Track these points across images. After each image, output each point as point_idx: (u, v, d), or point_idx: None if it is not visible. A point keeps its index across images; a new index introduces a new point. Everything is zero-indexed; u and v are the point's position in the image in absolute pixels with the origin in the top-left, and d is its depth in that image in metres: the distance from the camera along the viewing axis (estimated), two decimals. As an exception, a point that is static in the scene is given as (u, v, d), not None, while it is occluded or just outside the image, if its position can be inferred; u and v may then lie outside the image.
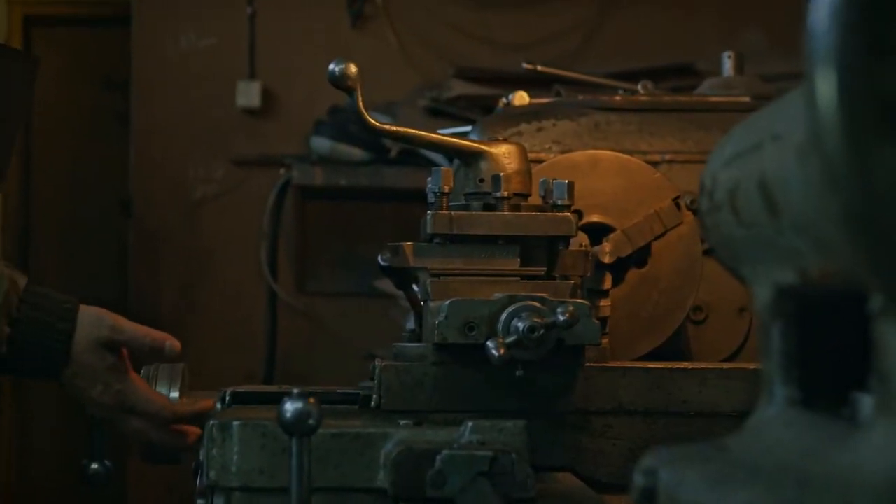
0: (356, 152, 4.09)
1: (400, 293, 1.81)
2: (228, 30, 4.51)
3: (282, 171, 4.34)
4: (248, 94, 4.46)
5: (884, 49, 0.50)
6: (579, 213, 1.74)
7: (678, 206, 1.79)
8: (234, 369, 4.37)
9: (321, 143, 4.19)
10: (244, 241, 4.45)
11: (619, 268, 1.77)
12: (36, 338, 1.78)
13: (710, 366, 1.61)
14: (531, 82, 2.88)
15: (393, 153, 4.01)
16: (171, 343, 1.87)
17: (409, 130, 1.71)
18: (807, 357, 0.82)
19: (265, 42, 4.52)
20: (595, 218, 1.77)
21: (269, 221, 4.38)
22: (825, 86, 0.52)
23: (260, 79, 4.50)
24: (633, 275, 1.78)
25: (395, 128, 1.71)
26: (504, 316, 1.46)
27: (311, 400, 1.23)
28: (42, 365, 1.80)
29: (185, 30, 4.50)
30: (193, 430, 1.82)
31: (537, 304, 1.46)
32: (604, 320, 1.70)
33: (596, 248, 1.74)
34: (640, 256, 1.78)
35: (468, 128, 2.29)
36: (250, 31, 4.51)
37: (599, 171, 1.81)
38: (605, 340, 1.66)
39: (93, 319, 1.83)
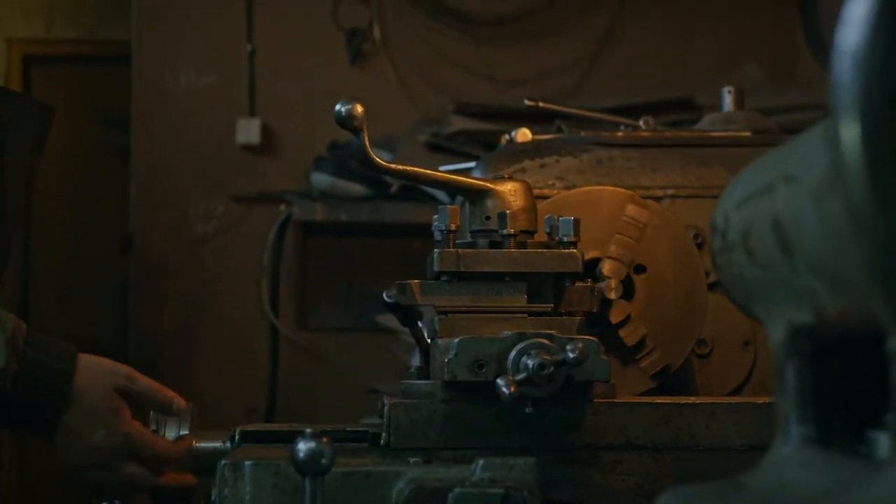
0: (356, 188, 4.11)
1: (403, 328, 1.82)
2: (228, 67, 4.53)
3: (282, 207, 4.35)
4: (248, 131, 4.48)
5: (906, 99, 0.51)
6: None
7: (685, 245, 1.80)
8: (236, 405, 4.37)
9: (321, 179, 4.20)
10: (245, 277, 4.45)
11: (627, 294, 1.78)
12: (41, 377, 1.79)
13: (719, 400, 1.62)
14: (531, 117, 2.90)
15: (393, 189, 4.02)
16: (178, 402, 1.88)
17: (416, 169, 1.72)
18: (822, 395, 0.83)
19: (265, 79, 4.54)
20: (595, 253, 1.78)
21: (269, 257, 4.38)
22: (849, 135, 0.53)
23: (260, 116, 4.51)
24: (641, 289, 1.78)
25: (402, 167, 1.72)
26: (513, 353, 1.47)
27: (325, 439, 1.24)
28: (44, 405, 1.80)
29: (185, 67, 4.52)
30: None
31: (546, 342, 1.47)
32: (638, 346, 1.72)
33: (601, 284, 1.75)
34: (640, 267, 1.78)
35: (472, 164, 2.30)
36: (250, 68, 4.53)
37: (602, 206, 1.82)
38: (647, 361, 1.68)
39: (109, 367, 1.86)
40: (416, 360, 1.99)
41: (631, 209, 1.78)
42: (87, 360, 1.84)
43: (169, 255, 4.51)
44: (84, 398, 1.82)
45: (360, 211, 4.14)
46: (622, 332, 1.73)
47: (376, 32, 4.55)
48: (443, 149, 3.91)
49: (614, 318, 1.74)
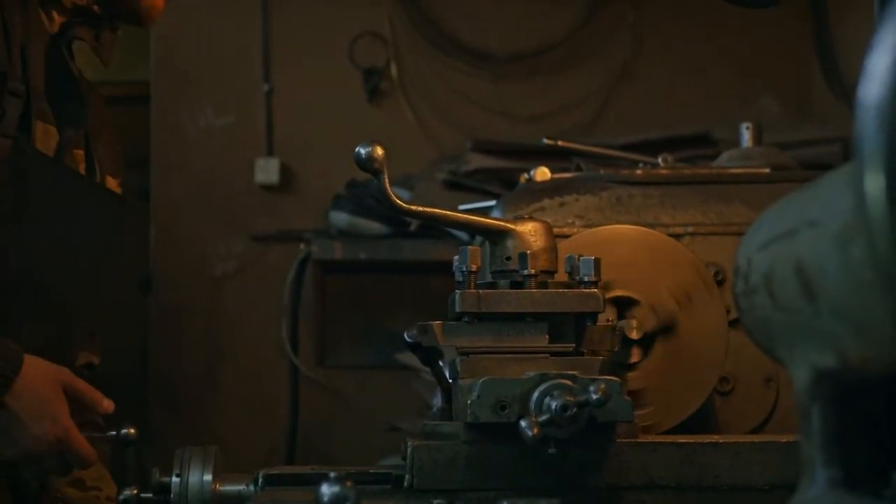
0: (375, 226, 4.11)
1: (423, 367, 1.82)
2: (246, 107, 4.55)
3: (301, 245, 4.36)
4: (267, 171, 4.50)
5: (929, 152, 0.52)
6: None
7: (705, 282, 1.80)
8: (256, 444, 4.37)
9: (340, 218, 4.21)
10: (265, 316, 4.46)
11: (646, 341, 1.78)
12: None
13: (742, 439, 1.61)
14: (548, 154, 2.91)
15: (412, 227, 4.02)
16: (106, 404, 1.98)
17: (437, 211, 1.72)
18: (847, 438, 0.83)
19: (282, 119, 4.56)
20: (619, 292, 1.78)
21: (289, 296, 4.39)
22: (874, 187, 0.53)
23: (278, 155, 4.53)
24: (659, 348, 1.78)
25: (422, 209, 1.72)
26: (536, 394, 1.47)
27: (348, 483, 1.24)
28: None
29: (204, 108, 4.54)
30: None
31: (569, 382, 1.47)
32: (633, 393, 1.71)
33: (622, 323, 1.75)
34: (668, 328, 1.79)
35: (490, 203, 2.30)
36: (267, 108, 4.55)
37: (622, 245, 1.82)
38: (645, 412, 1.68)
39: (53, 366, 1.94)
40: (437, 401, 1.99)
41: (696, 279, 1.79)
42: (32, 358, 1.91)
43: (188, 295, 4.52)
44: (32, 389, 1.88)
45: (379, 249, 4.14)
46: (629, 375, 1.74)
47: (393, 70, 4.57)
48: (461, 186, 3.91)
49: (630, 359, 1.75)
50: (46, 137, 2.03)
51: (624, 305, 1.79)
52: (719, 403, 1.98)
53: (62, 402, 1.91)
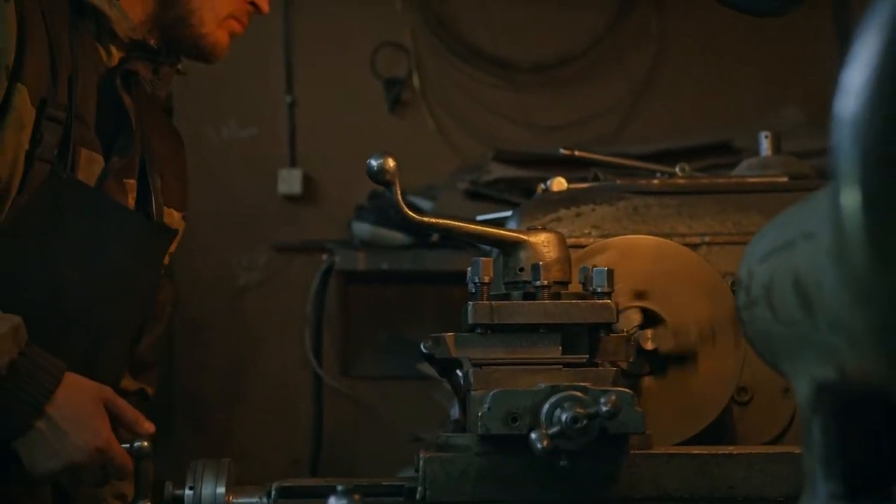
0: (397, 236, 4.11)
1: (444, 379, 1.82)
2: (269, 119, 4.56)
3: (324, 256, 4.37)
4: (290, 182, 4.51)
5: (905, 167, 0.51)
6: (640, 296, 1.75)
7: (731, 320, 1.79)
8: (280, 455, 4.37)
9: (362, 228, 4.21)
10: (288, 326, 4.47)
11: (660, 361, 1.77)
12: (33, 373, 1.87)
13: (756, 450, 1.60)
14: (570, 164, 2.90)
15: (434, 237, 4.02)
16: (147, 426, 1.99)
17: (449, 222, 1.72)
18: (848, 451, 0.82)
19: (305, 130, 4.57)
20: (649, 305, 1.78)
21: (312, 307, 4.39)
22: (850, 204, 0.53)
23: (301, 166, 4.54)
24: (672, 373, 1.78)
25: (434, 220, 1.72)
26: (547, 406, 1.46)
27: (357, 497, 1.24)
28: (30, 395, 1.86)
29: (227, 120, 4.56)
30: None
31: (580, 394, 1.46)
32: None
33: (637, 333, 1.75)
34: (683, 358, 1.78)
35: (507, 213, 2.30)
36: (290, 119, 4.56)
37: (638, 255, 1.81)
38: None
39: (94, 383, 1.95)
40: (455, 412, 1.99)
41: (692, 273, 1.78)
42: (73, 375, 1.93)
43: (212, 306, 4.53)
44: (73, 402, 1.89)
45: (402, 259, 4.14)
46: (649, 385, 1.73)
47: (415, 81, 4.58)
48: (483, 196, 3.91)
49: (645, 369, 1.75)
50: (91, 165, 2.04)
51: (649, 319, 1.78)
52: (737, 414, 1.97)
53: (103, 416, 1.93)
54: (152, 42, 2.17)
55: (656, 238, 1.86)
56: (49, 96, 1.97)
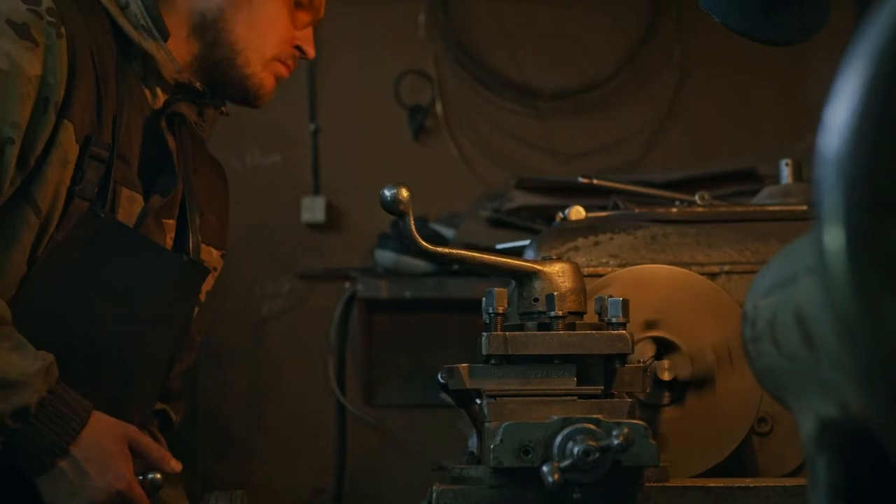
0: (420, 264, 4.11)
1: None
2: (292, 147, 4.57)
3: (347, 284, 4.37)
4: (313, 210, 4.51)
5: (888, 204, 0.50)
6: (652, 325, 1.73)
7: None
8: (303, 484, 4.37)
9: (385, 256, 4.21)
10: (311, 354, 4.46)
11: (679, 389, 1.76)
12: (60, 412, 1.87)
13: (773, 483, 1.58)
14: (592, 192, 2.89)
15: (457, 265, 4.01)
16: (174, 464, 2.01)
17: (463, 252, 1.71)
18: (853, 488, 0.81)
19: (328, 158, 4.58)
20: (662, 333, 1.76)
21: (335, 334, 4.39)
22: (833, 243, 0.52)
23: (324, 194, 4.55)
24: (691, 399, 1.76)
25: (447, 250, 1.71)
26: (559, 439, 1.45)
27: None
28: (56, 435, 1.87)
29: (250, 147, 4.57)
30: None
31: (592, 427, 1.45)
32: (660, 436, 1.69)
33: (654, 364, 1.73)
34: (703, 382, 1.76)
35: (525, 242, 2.29)
36: (313, 147, 4.57)
37: (658, 284, 1.80)
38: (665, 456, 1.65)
39: (119, 422, 1.95)
40: (472, 442, 1.98)
41: (708, 300, 1.77)
42: (99, 414, 1.93)
43: (235, 334, 4.53)
44: (97, 442, 1.90)
45: (424, 287, 4.14)
46: (669, 415, 1.72)
47: (438, 108, 4.58)
48: (505, 224, 3.90)
49: (664, 399, 1.73)
50: (131, 205, 2.04)
51: (664, 348, 1.76)
52: (758, 445, 1.95)
53: (127, 458, 1.93)
54: (197, 84, 2.17)
55: (669, 267, 1.84)
56: (93, 134, 1.97)
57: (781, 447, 1.95)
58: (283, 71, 2.26)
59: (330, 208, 4.54)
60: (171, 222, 2.16)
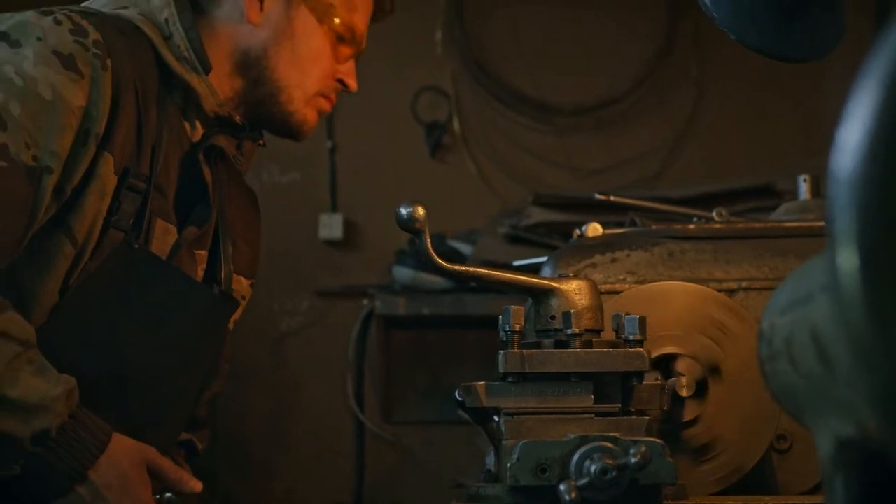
0: (438, 281, 4.11)
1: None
2: (310, 164, 4.58)
3: (365, 301, 4.37)
4: (331, 227, 4.52)
5: (902, 226, 0.50)
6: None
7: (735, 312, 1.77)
8: (322, 501, 4.36)
9: (403, 273, 4.21)
10: (329, 371, 4.47)
11: (699, 392, 1.75)
12: (80, 435, 1.87)
13: (792, 500, 1.58)
14: (609, 208, 2.89)
15: (473, 282, 4.01)
16: (194, 484, 2.00)
17: (479, 270, 1.71)
18: (872, 509, 0.80)
19: (346, 175, 4.58)
20: (669, 349, 1.75)
21: (353, 352, 4.39)
22: (847, 265, 0.52)
23: (342, 211, 4.55)
24: (713, 405, 1.75)
25: (464, 268, 1.71)
26: (576, 457, 1.45)
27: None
28: (74, 460, 1.86)
29: (268, 165, 4.58)
30: None
31: (609, 445, 1.44)
32: (701, 449, 1.69)
33: (671, 382, 1.72)
34: (714, 369, 1.75)
35: (543, 258, 2.28)
36: (331, 164, 4.58)
37: (674, 301, 1.79)
38: (713, 464, 1.65)
39: (139, 444, 1.94)
40: (490, 460, 1.97)
41: (718, 313, 1.76)
42: (119, 436, 1.92)
43: (254, 352, 4.53)
44: (116, 467, 1.89)
45: (442, 304, 4.14)
46: (691, 432, 1.70)
47: (455, 125, 4.58)
48: (523, 240, 3.90)
49: (685, 416, 1.71)
50: (165, 236, 2.04)
51: (666, 362, 1.75)
52: (777, 462, 1.94)
53: (146, 483, 1.93)
54: (237, 118, 2.17)
55: (686, 283, 1.84)
56: (132, 166, 1.98)
57: (801, 464, 1.94)
58: (325, 105, 2.26)
59: (347, 225, 4.54)
60: (203, 253, 2.15)
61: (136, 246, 1.98)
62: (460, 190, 4.49)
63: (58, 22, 1.93)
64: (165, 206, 2.04)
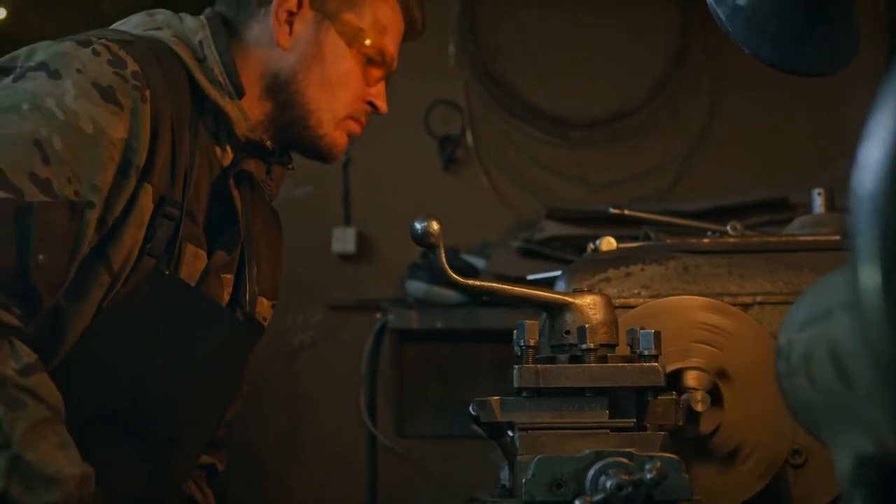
0: (451, 294, 4.11)
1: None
2: (323, 177, 4.58)
3: (378, 315, 4.37)
4: (344, 241, 4.52)
5: (926, 245, 0.50)
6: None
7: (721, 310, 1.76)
8: (335, 515, 4.36)
9: (416, 287, 4.21)
10: (343, 385, 4.46)
11: (714, 406, 1.74)
12: None
13: (807, 516, 1.57)
14: (622, 221, 2.88)
15: (487, 297, 4.01)
16: None
17: (493, 284, 1.71)
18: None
19: (359, 189, 4.58)
20: (680, 364, 1.75)
21: (366, 365, 4.39)
22: (870, 282, 0.51)
23: (355, 225, 4.55)
24: (730, 411, 1.74)
25: (478, 282, 1.71)
26: (591, 473, 1.44)
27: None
28: None
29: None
30: None
31: (625, 461, 1.44)
32: (728, 456, 1.68)
33: (685, 397, 1.72)
34: (721, 373, 1.74)
35: (557, 272, 2.28)
36: (344, 178, 4.58)
37: (686, 315, 1.79)
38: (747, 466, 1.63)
39: None
40: (504, 475, 1.96)
41: (707, 316, 1.75)
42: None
43: (267, 366, 4.53)
44: None
45: (455, 317, 4.13)
46: (716, 442, 1.69)
47: (469, 138, 4.58)
48: (536, 254, 3.90)
49: (704, 427, 1.71)
50: (195, 261, 2.04)
51: (675, 378, 1.75)
52: (792, 477, 1.93)
53: None
54: (268, 142, 2.16)
55: (700, 298, 1.83)
56: (167, 194, 1.97)
57: (817, 479, 1.93)
58: (355, 128, 2.25)
59: (361, 239, 4.54)
60: (230, 277, 2.14)
61: (167, 272, 1.97)
62: (473, 203, 4.49)
63: (96, 53, 1.92)
64: (196, 231, 2.03)
